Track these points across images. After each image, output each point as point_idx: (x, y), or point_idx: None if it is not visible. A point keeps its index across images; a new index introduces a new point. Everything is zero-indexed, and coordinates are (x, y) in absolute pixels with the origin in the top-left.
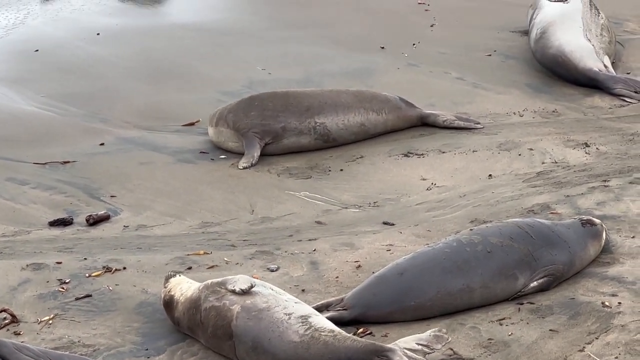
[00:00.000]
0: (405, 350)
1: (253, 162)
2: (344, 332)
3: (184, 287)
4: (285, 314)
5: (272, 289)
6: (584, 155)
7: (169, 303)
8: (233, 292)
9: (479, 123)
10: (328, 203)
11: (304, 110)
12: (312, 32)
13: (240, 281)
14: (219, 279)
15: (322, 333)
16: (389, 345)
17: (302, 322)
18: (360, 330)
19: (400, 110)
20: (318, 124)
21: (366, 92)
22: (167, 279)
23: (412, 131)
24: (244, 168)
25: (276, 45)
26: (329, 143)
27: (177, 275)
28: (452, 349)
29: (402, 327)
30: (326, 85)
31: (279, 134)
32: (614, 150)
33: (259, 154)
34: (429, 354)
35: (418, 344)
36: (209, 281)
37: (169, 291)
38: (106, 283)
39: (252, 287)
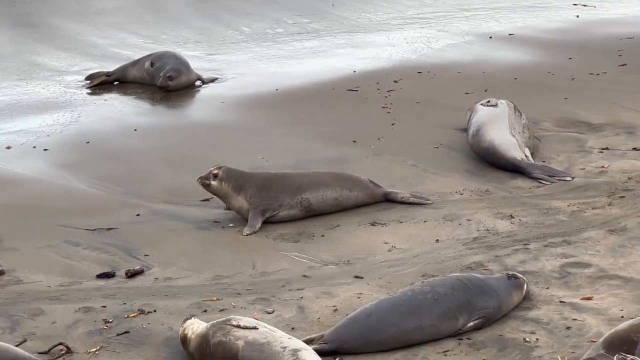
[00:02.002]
0: None
1: (255, 230)
2: None
3: (195, 327)
4: (282, 347)
5: (266, 327)
6: (509, 225)
7: (183, 340)
8: (238, 326)
9: (429, 200)
10: (312, 261)
11: (295, 189)
12: (300, 129)
13: (245, 319)
14: (224, 318)
15: None
16: None
17: (293, 355)
18: (337, 359)
19: (368, 189)
20: (304, 199)
21: (344, 174)
22: (184, 320)
23: (377, 205)
24: (247, 235)
25: (272, 139)
26: (310, 213)
27: (191, 318)
28: None
29: (370, 358)
30: (311, 169)
31: (276, 209)
32: (533, 220)
33: (260, 225)
34: None
35: None
36: (215, 320)
37: (184, 330)
38: (141, 322)
39: (255, 328)
